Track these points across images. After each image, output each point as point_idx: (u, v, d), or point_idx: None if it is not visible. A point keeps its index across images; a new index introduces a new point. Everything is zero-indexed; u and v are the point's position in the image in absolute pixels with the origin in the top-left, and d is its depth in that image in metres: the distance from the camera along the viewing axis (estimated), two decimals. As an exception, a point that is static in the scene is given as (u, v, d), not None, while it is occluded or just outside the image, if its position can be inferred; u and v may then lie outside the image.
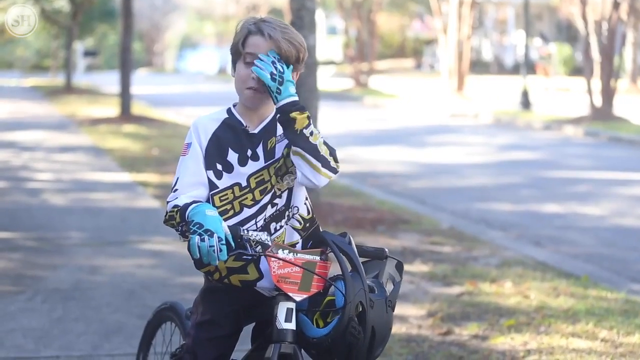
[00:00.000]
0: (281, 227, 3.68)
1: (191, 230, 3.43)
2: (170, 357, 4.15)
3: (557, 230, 10.56)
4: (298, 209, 3.72)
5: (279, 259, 3.49)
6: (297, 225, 3.72)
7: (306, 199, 3.77)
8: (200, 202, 3.57)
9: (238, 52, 3.66)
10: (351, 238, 3.58)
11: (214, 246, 3.38)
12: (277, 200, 3.68)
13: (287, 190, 3.70)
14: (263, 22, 3.65)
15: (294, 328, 3.50)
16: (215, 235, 3.39)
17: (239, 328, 3.75)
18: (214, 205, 3.63)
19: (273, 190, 3.67)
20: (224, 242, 3.41)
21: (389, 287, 3.60)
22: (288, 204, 3.70)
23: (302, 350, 3.56)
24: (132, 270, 8.06)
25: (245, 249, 3.50)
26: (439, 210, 11.66)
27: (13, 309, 6.85)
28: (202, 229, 3.41)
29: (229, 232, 3.47)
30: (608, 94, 24.63)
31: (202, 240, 3.39)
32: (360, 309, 3.44)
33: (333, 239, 3.54)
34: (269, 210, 3.67)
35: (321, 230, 3.74)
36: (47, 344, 6.08)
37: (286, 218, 3.70)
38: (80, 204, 11.36)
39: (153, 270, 8.10)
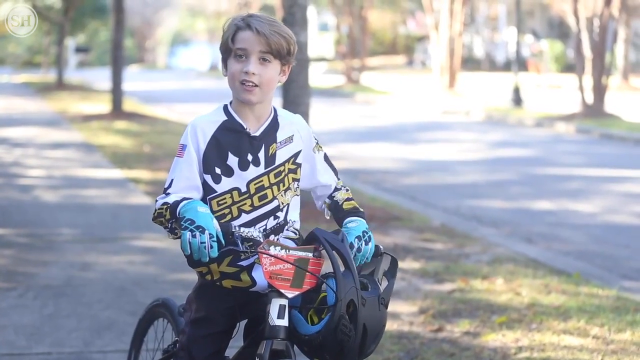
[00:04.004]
0: (277, 239, 3.66)
1: (182, 227, 3.41)
2: (163, 354, 4.14)
3: (549, 227, 10.58)
4: (294, 223, 3.73)
5: (271, 255, 3.48)
6: (293, 235, 3.72)
7: (299, 215, 3.77)
8: (192, 199, 3.55)
9: (228, 50, 3.64)
10: (345, 235, 3.58)
11: (205, 242, 3.37)
12: (279, 214, 3.68)
13: (287, 205, 3.70)
14: (251, 18, 3.63)
15: (287, 325, 3.49)
16: (206, 231, 3.39)
17: (234, 324, 3.75)
18: (211, 209, 3.61)
19: (277, 203, 3.67)
20: (215, 238, 3.40)
21: (385, 284, 3.60)
22: (286, 219, 3.70)
23: (295, 346, 3.55)
24: (124, 267, 8.06)
25: (236, 245, 3.50)
26: (430, 207, 11.67)
27: (4, 306, 6.84)
28: (194, 225, 3.40)
29: (220, 230, 3.46)
30: (599, 90, 24.66)
31: (194, 236, 3.38)
32: (353, 307, 3.43)
33: (325, 236, 3.52)
34: (271, 222, 3.67)
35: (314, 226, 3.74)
36: (38, 341, 6.07)
37: (283, 232, 3.70)
38: (72, 201, 11.34)
39: (145, 267, 8.10)
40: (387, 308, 3.54)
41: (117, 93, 23.28)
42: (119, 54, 23.22)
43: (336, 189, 3.84)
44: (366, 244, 3.60)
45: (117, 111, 23.08)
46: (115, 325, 6.38)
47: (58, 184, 12.74)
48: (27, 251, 8.63)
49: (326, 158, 3.85)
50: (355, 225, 3.66)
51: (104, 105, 25.13)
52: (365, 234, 3.62)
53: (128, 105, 24.93)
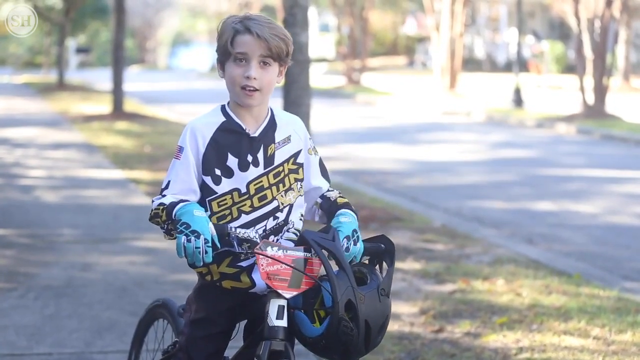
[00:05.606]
0: (277, 240, 3.65)
1: (178, 230, 3.41)
2: (163, 354, 4.14)
3: (550, 228, 10.58)
4: (294, 224, 3.71)
5: (268, 256, 3.47)
6: (294, 237, 3.70)
7: (302, 215, 3.75)
8: (188, 201, 3.54)
9: (227, 53, 3.61)
10: (336, 232, 3.54)
11: (199, 248, 3.37)
12: (278, 214, 3.66)
13: (288, 206, 3.69)
14: (249, 20, 3.59)
15: (286, 325, 3.48)
16: (201, 236, 3.38)
17: (233, 325, 3.75)
18: (211, 210, 3.61)
19: (277, 204, 3.65)
20: (209, 244, 3.39)
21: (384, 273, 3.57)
22: (286, 220, 3.68)
23: (298, 346, 3.54)
24: (125, 267, 8.05)
25: (232, 246, 3.49)
26: (431, 208, 11.66)
27: (5, 306, 6.84)
28: (189, 230, 3.39)
29: (215, 233, 3.45)
30: (600, 91, 24.67)
31: (189, 241, 3.37)
32: (352, 306, 3.41)
33: (314, 238, 3.48)
34: (271, 223, 3.65)
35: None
36: (39, 341, 6.07)
37: (283, 232, 3.68)
38: (73, 201, 11.34)
39: (146, 268, 8.09)
40: (389, 296, 3.51)
41: (118, 93, 23.29)
42: (119, 55, 23.22)
43: (328, 190, 3.82)
44: (355, 244, 3.57)
45: (118, 112, 23.08)
46: (116, 325, 6.38)
47: (59, 184, 12.74)
48: (28, 252, 8.63)
49: (321, 162, 3.83)
50: (347, 220, 3.62)
51: (104, 106, 25.12)
52: (354, 233, 3.59)
53: (129, 105, 24.94)
